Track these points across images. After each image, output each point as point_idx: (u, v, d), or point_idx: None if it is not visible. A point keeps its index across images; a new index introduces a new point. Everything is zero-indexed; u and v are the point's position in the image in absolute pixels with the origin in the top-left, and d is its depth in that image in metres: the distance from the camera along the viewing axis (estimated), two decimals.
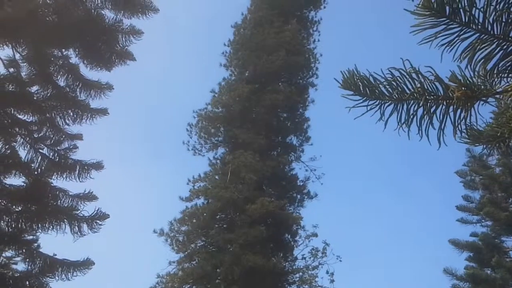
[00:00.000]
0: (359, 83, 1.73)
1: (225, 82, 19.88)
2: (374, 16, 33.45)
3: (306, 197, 18.38)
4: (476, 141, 1.84)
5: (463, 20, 1.81)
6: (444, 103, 1.82)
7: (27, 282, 10.50)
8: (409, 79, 1.77)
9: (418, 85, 1.78)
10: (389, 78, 1.77)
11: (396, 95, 1.78)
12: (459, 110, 1.83)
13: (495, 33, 1.84)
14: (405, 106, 1.80)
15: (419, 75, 1.78)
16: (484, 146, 1.87)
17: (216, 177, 18.16)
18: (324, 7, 21.65)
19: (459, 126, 1.83)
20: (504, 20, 1.83)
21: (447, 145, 1.81)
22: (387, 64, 1.76)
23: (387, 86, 1.77)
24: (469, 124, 1.84)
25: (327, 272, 16.97)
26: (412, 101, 1.80)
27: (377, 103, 1.78)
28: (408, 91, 1.79)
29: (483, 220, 16.53)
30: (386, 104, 1.80)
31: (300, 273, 16.98)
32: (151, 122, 34.27)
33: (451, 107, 1.82)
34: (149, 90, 34.08)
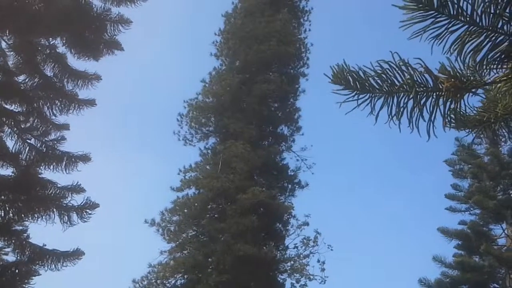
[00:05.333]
0: (349, 77, 1.72)
1: (215, 72, 19.79)
2: (364, 8, 33.42)
3: (297, 186, 18.46)
4: (462, 126, 1.84)
5: (451, 12, 1.80)
6: (434, 94, 1.82)
7: (17, 271, 10.46)
8: (399, 71, 1.77)
9: (408, 77, 1.78)
10: (378, 71, 1.76)
11: (386, 88, 1.77)
12: (448, 102, 1.83)
13: (484, 24, 1.84)
14: (395, 99, 1.79)
15: (409, 67, 1.77)
16: (470, 130, 1.88)
17: (207, 167, 18.15)
18: None
19: (449, 117, 1.84)
20: (492, 11, 1.82)
21: (437, 137, 1.81)
22: (378, 55, 1.75)
23: (377, 79, 1.77)
24: (458, 112, 1.84)
25: (319, 261, 17.15)
26: (402, 94, 1.80)
27: (367, 96, 1.77)
28: (398, 84, 1.78)
29: (471, 209, 16.69)
30: (377, 98, 1.79)
31: (292, 262, 17.11)
32: (141, 112, 34.09)
33: (441, 99, 1.83)
34: (139, 80, 33.84)
